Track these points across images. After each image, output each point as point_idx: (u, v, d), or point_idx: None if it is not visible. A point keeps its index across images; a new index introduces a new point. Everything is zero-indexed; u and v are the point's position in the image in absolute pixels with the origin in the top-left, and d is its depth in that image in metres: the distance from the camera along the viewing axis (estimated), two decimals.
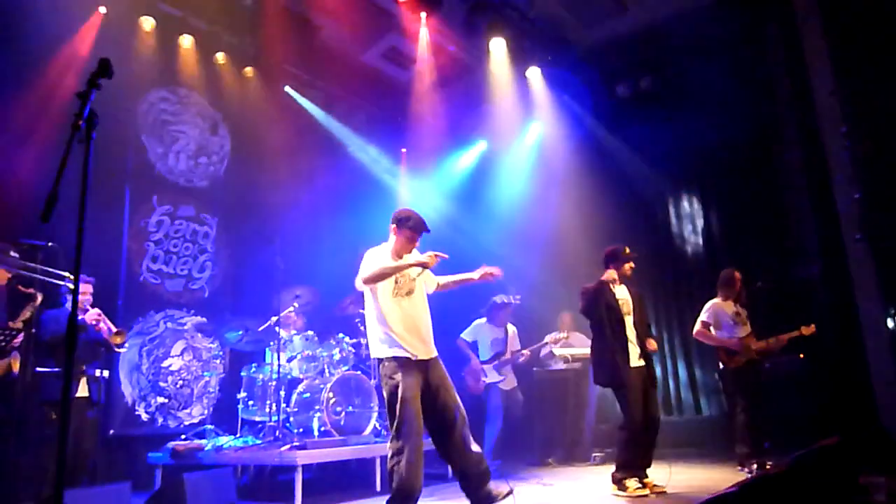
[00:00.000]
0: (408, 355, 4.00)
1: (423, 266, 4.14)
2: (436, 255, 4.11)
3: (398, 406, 3.89)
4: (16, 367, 4.32)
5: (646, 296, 5.53)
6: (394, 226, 4.28)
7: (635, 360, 5.03)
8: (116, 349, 5.24)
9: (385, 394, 4.00)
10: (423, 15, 7.23)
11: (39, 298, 4.19)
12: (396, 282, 4.13)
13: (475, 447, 4.04)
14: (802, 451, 3.44)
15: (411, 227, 4.22)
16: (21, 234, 4.54)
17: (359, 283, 4.10)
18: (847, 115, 6.24)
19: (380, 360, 4.05)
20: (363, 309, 6.76)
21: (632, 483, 4.88)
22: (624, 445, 4.98)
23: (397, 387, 3.92)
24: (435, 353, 4.18)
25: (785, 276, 7.22)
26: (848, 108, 6.24)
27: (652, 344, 5.12)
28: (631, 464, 4.95)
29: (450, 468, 4.20)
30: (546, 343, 7.18)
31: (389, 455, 3.87)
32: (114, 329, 5.13)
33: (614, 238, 8.32)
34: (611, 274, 5.13)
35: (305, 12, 7.82)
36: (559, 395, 7.40)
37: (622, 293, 5.21)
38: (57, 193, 2.10)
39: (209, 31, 7.44)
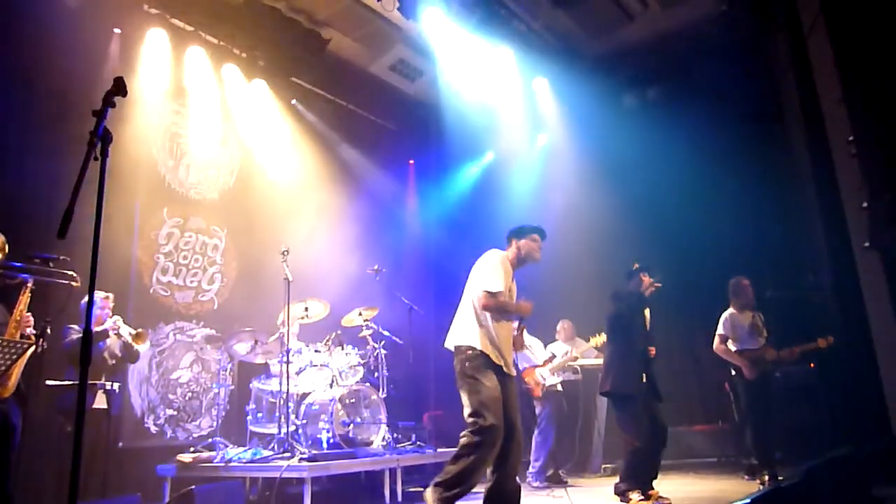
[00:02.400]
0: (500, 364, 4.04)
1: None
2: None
3: (489, 405, 3.83)
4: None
5: (654, 307, 5.55)
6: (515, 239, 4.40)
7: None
8: (137, 349, 5.33)
9: (469, 387, 3.92)
10: (430, 27, 7.27)
11: (31, 282, 4.21)
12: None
13: (517, 480, 3.99)
14: (814, 463, 3.42)
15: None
16: (34, 248, 4.57)
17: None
18: (855, 123, 6.22)
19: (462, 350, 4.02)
20: (370, 320, 6.85)
21: (635, 496, 4.88)
22: (632, 457, 4.99)
23: (485, 386, 3.88)
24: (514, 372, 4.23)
25: (795, 285, 7.18)
26: (855, 115, 6.22)
27: (651, 350, 5.19)
28: (636, 476, 4.95)
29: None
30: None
31: (465, 444, 3.80)
32: (133, 332, 5.23)
33: (621, 248, 8.34)
34: (647, 283, 5.23)
35: (314, 25, 7.89)
36: (569, 406, 7.38)
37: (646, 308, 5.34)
38: (73, 209, 2.13)
39: (219, 44, 7.51)
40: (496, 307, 4.05)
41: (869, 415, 6.04)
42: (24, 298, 4.27)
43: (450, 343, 4.14)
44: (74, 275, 4.22)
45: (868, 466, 3.75)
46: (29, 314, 4.26)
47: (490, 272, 4.13)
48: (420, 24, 7.45)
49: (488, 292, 4.04)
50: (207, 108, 7.57)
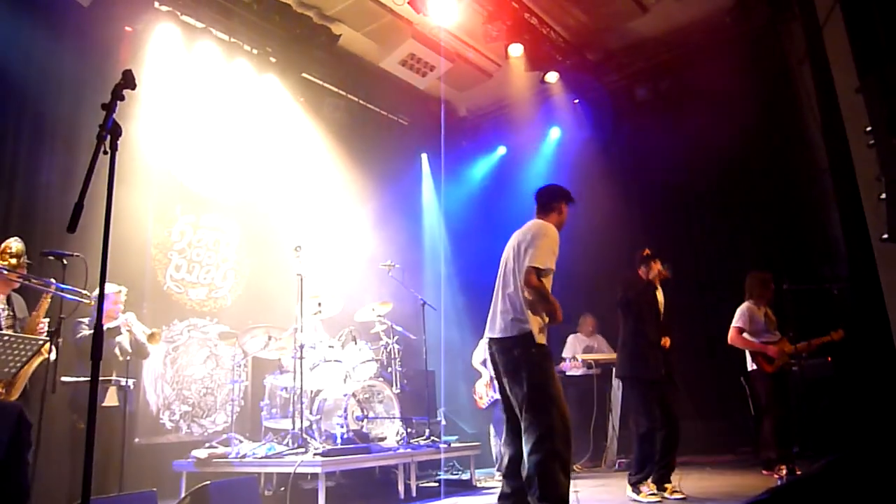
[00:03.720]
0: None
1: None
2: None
3: (554, 399, 3.56)
4: (47, 353, 4.39)
5: (670, 300, 5.51)
6: (559, 202, 4.11)
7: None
8: (149, 349, 5.35)
9: (534, 380, 3.60)
10: (442, 21, 7.24)
11: (54, 283, 4.26)
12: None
13: None
14: (834, 456, 3.37)
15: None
16: (50, 244, 4.61)
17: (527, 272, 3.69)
18: (872, 113, 6.13)
19: (528, 338, 3.67)
20: (383, 315, 6.84)
21: (646, 487, 4.87)
22: (640, 444, 4.98)
23: (551, 379, 3.62)
24: None
25: (812, 278, 7.10)
26: (873, 105, 6.13)
27: (665, 340, 5.14)
28: (647, 464, 4.92)
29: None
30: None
31: (539, 461, 3.46)
32: (147, 331, 5.25)
33: (635, 241, 8.25)
34: (657, 270, 5.15)
35: (324, 21, 7.88)
36: (583, 400, 7.35)
37: (659, 293, 5.28)
38: (83, 203, 2.13)
39: (229, 41, 7.52)
40: (538, 290, 3.63)
41: (887, 408, 5.96)
42: (45, 304, 4.31)
43: (507, 331, 3.72)
44: (87, 293, 4.25)
45: (888, 459, 3.69)
46: (44, 322, 4.30)
47: (543, 246, 3.69)
48: (430, 18, 7.41)
49: (537, 268, 3.62)
50: (219, 104, 7.58)
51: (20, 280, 4.27)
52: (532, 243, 3.73)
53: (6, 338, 3.88)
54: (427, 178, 10.35)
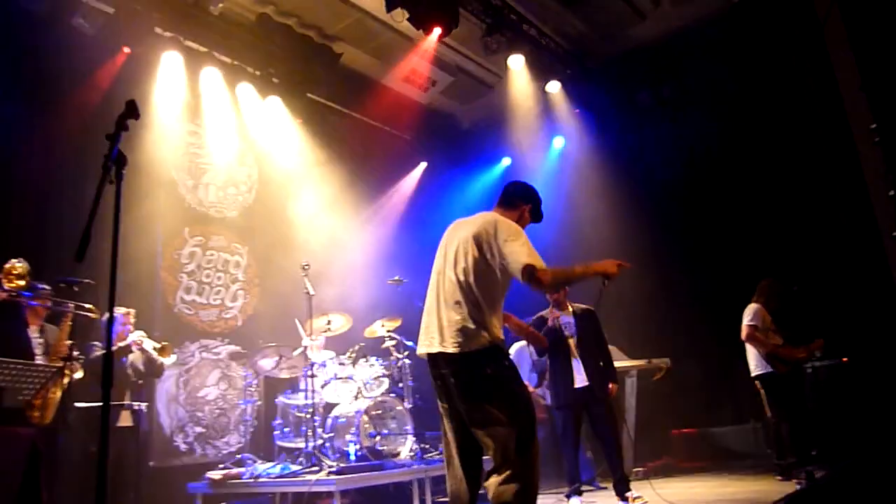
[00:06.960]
0: None
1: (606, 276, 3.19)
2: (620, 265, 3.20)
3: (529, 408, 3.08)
4: (78, 372, 4.45)
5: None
6: (526, 204, 3.41)
7: (580, 382, 5.29)
8: (162, 362, 5.38)
9: (509, 391, 3.05)
10: (441, 36, 7.28)
11: (72, 306, 4.30)
12: None
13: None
14: (850, 460, 3.34)
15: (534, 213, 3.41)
16: (61, 272, 4.65)
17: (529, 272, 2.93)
18: (876, 111, 6.11)
19: (499, 350, 3.10)
20: (393, 331, 6.81)
21: (573, 501, 5.21)
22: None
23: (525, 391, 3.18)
24: None
25: (823, 278, 7.06)
26: (877, 103, 6.11)
27: (613, 389, 5.44)
28: (574, 478, 5.32)
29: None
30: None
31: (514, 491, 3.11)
32: (157, 345, 5.28)
33: (642, 248, 8.23)
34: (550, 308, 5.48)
35: (325, 40, 7.95)
36: None
37: (566, 318, 5.47)
38: (90, 233, 2.15)
39: (232, 64, 7.58)
40: (551, 279, 3.03)
41: None
42: (66, 327, 4.36)
43: (471, 343, 2.99)
44: (92, 307, 4.27)
45: None
46: (68, 343, 4.34)
47: (526, 241, 3.05)
48: (430, 34, 7.45)
49: (531, 265, 2.92)
50: (224, 127, 7.64)
51: (48, 307, 4.33)
52: (505, 237, 3.05)
53: (17, 367, 3.90)
54: (432, 190, 10.33)
